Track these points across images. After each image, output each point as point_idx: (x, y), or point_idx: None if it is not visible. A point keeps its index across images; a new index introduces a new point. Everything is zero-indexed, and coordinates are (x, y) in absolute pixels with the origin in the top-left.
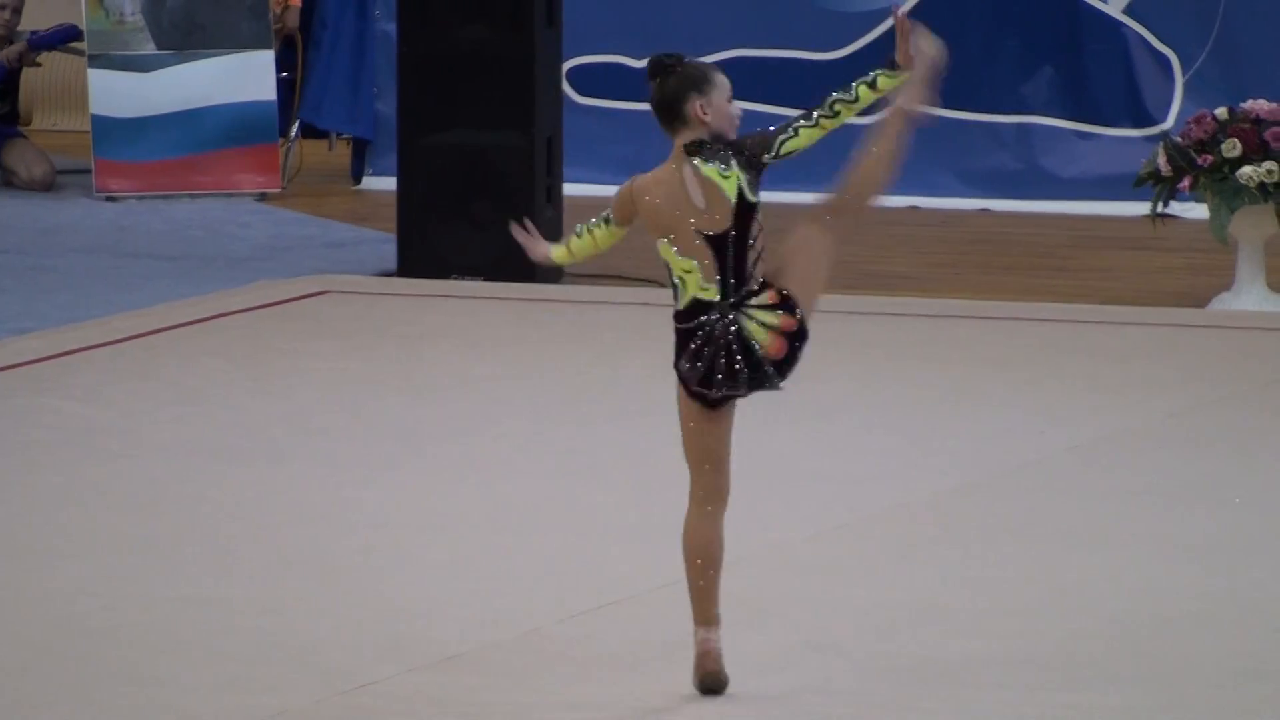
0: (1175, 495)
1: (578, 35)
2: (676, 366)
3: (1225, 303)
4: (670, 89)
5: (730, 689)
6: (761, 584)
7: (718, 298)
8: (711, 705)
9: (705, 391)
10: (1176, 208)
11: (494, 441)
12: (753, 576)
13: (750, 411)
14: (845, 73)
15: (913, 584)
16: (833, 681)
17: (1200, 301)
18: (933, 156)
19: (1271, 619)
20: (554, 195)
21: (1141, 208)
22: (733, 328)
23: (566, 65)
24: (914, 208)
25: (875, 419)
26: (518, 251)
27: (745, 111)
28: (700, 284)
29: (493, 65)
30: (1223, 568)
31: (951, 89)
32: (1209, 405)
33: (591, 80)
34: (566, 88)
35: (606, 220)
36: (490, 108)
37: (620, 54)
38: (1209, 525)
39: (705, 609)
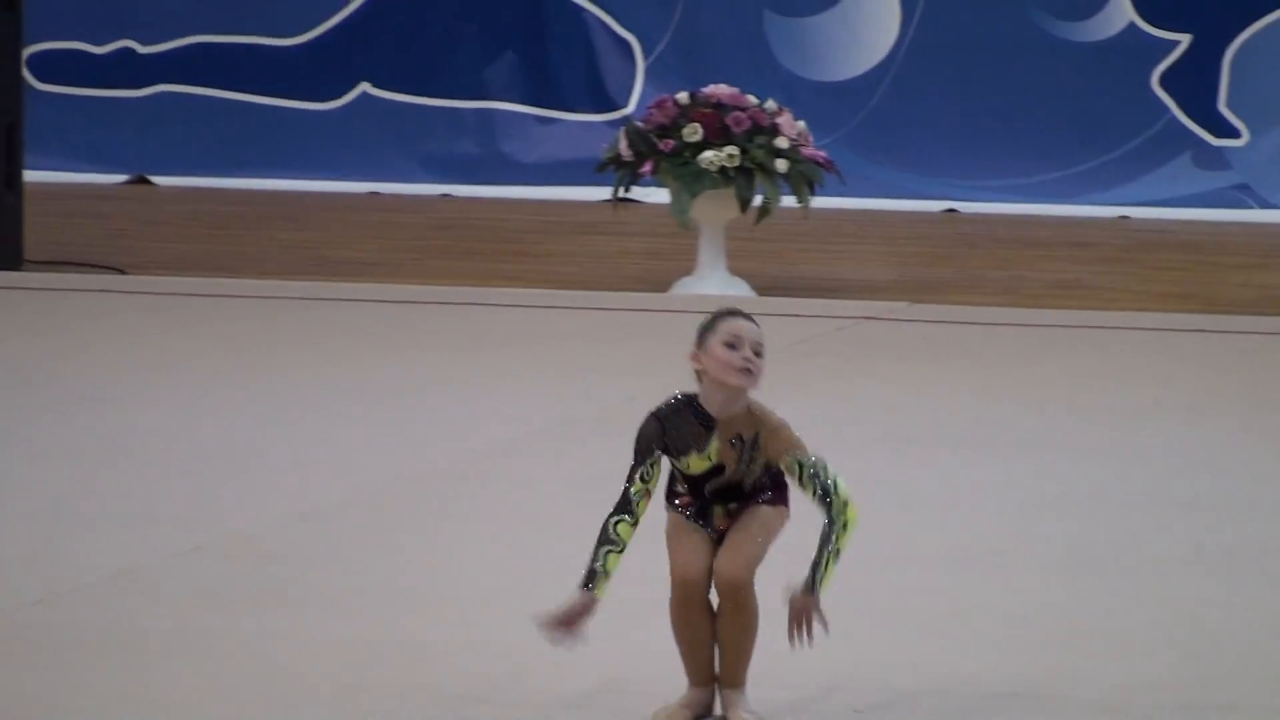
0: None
1: (38, 21)
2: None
3: (687, 286)
4: None
5: (185, 672)
6: (229, 572)
7: None
8: (143, 694)
9: None
10: (638, 192)
11: None
12: (218, 564)
13: (217, 399)
14: (307, 57)
15: (384, 569)
16: (299, 667)
17: (662, 286)
18: (394, 142)
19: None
20: (15, 182)
21: (603, 192)
22: None
23: (26, 51)
24: (374, 193)
25: (337, 406)
26: None
27: (209, 98)
28: None
29: None
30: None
31: (412, 74)
32: (665, 390)
33: (52, 67)
34: (26, 74)
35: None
36: None
37: (82, 41)
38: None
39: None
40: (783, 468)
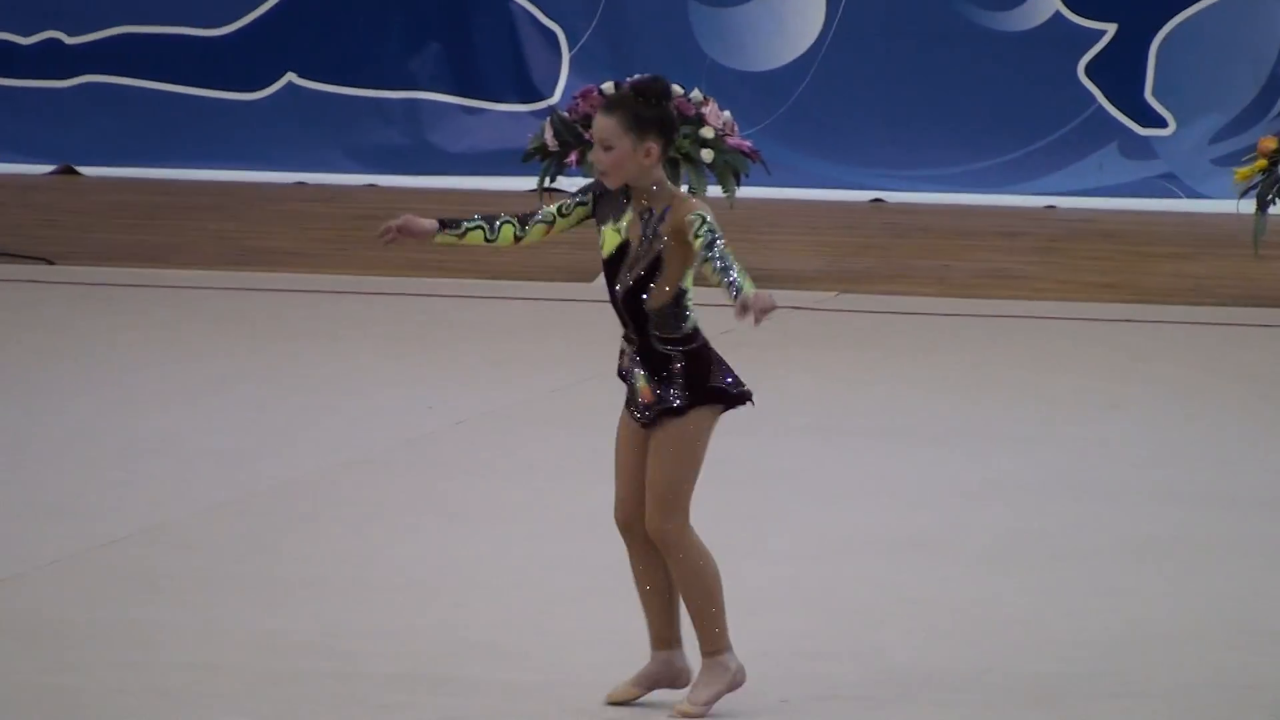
0: (563, 469)
1: None
2: (725, 385)
3: None
4: None
5: (122, 661)
6: (156, 560)
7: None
8: (73, 685)
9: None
10: (565, 182)
11: None
12: (144, 553)
13: (145, 389)
14: (233, 48)
15: (305, 559)
16: (224, 656)
17: (587, 276)
18: (320, 132)
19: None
20: None
21: (530, 182)
22: None
23: None
24: (301, 184)
25: (262, 396)
26: None
27: (135, 88)
28: None
29: None
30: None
31: (338, 65)
32: (590, 381)
33: None
34: None
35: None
36: None
37: (8, 31)
38: (594, 501)
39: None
40: (687, 228)
